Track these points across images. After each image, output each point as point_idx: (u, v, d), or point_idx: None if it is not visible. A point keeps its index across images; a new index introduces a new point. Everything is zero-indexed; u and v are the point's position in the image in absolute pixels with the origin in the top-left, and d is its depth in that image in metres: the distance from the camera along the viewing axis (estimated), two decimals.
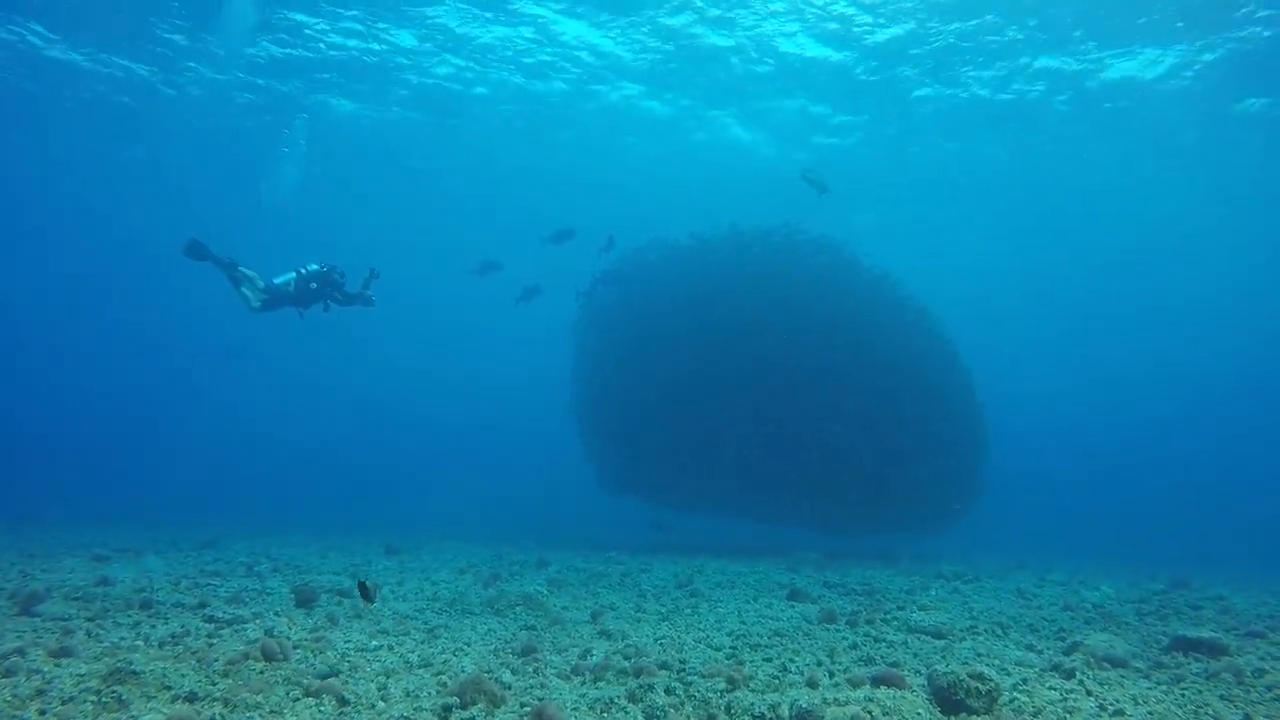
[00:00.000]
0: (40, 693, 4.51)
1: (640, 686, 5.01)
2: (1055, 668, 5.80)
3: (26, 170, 28.99)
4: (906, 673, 5.63)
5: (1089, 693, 5.18)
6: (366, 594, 5.59)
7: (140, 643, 5.73)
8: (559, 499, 22.58)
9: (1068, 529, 25.54)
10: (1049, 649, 6.59)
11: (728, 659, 5.92)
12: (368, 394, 47.94)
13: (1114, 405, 49.12)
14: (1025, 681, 5.38)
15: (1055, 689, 5.24)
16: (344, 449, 43.06)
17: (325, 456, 40.60)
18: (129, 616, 6.71)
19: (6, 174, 29.28)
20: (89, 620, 6.48)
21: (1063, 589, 10.88)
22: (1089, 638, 7.00)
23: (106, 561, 10.46)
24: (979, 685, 4.75)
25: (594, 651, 6.06)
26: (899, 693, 4.95)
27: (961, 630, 7.20)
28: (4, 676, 4.81)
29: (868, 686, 5.13)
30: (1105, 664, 5.96)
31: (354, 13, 19.17)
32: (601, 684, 5.21)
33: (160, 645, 5.67)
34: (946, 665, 5.57)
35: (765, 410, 14.71)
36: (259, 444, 41.00)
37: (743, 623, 7.47)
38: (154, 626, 6.30)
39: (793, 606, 8.46)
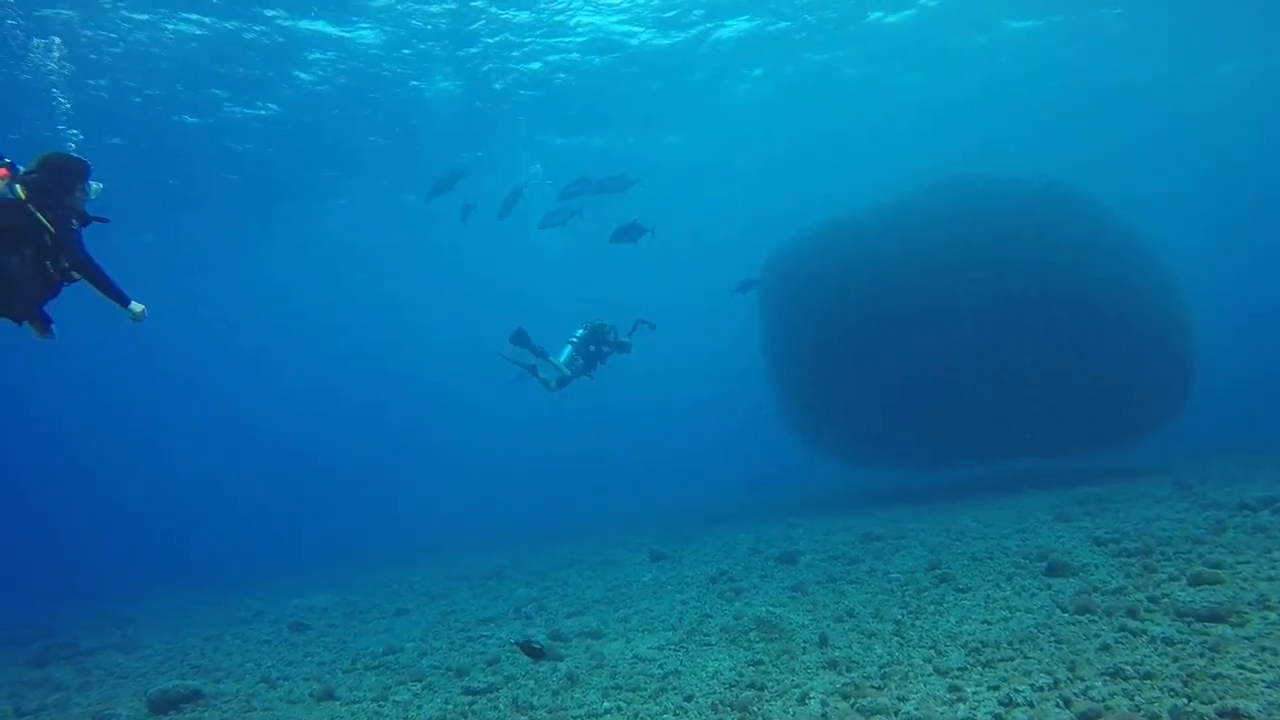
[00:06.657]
0: None
1: None
2: None
3: None
4: (1157, 692, 4.95)
5: None
6: (535, 654, 6.76)
7: None
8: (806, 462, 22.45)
9: None
10: None
11: (949, 692, 5.59)
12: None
13: None
14: None
15: None
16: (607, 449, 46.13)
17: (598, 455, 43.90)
18: (407, 691, 7.65)
19: None
20: (374, 701, 7.49)
21: None
22: None
23: (405, 615, 12.02)
24: None
25: (811, 694, 6.00)
26: None
27: (1247, 606, 6.08)
28: None
29: None
30: None
31: None
32: None
33: None
34: (1203, 682, 4.85)
35: (985, 344, 14.58)
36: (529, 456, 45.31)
37: (986, 622, 6.97)
38: (430, 704, 7.23)
39: (1048, 587, 7.71)
